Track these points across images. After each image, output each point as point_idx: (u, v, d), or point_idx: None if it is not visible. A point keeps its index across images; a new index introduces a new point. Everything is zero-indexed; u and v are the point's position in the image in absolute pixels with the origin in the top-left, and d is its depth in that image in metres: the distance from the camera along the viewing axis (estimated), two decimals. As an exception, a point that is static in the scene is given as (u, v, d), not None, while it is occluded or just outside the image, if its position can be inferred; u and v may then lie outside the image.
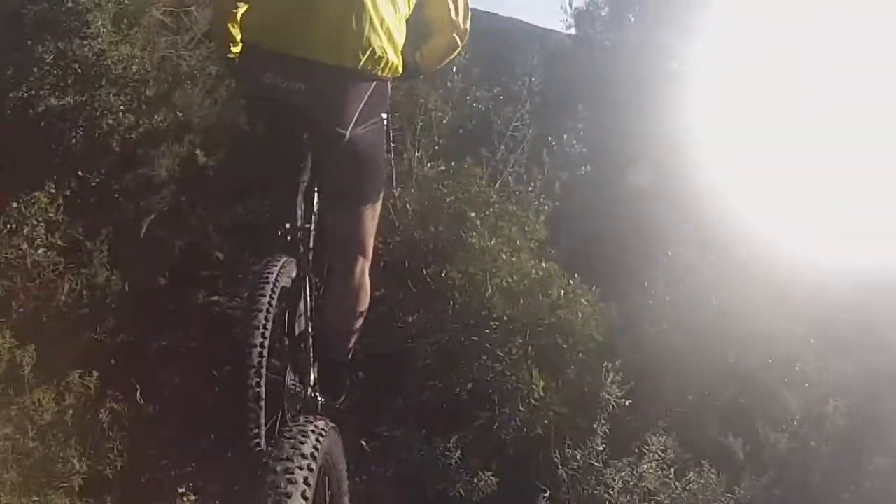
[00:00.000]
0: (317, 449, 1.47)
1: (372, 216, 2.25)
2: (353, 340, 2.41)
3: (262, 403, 1.90)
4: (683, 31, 6.45)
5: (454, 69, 3.88)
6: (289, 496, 1.34)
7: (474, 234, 3.49)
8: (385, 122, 2.19)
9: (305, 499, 1.36)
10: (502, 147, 4.08)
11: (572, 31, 7.20)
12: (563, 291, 3.53)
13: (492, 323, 3.39)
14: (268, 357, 1.91)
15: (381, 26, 1.92)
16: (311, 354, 2.17)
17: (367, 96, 1.97)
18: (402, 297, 3.79)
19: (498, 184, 4.07)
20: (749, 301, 4.04)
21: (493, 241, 3.55)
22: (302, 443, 1.46)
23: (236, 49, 2.01)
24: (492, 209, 3.66)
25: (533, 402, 3.01)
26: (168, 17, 4.08)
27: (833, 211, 4.25)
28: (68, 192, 3.35)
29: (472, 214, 3.54)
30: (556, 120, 4.12)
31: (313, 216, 2.22)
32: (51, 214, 3.24)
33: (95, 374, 3.01)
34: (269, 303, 1.94)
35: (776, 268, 4.04)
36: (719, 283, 4.09)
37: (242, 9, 1.96)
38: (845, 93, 4.95)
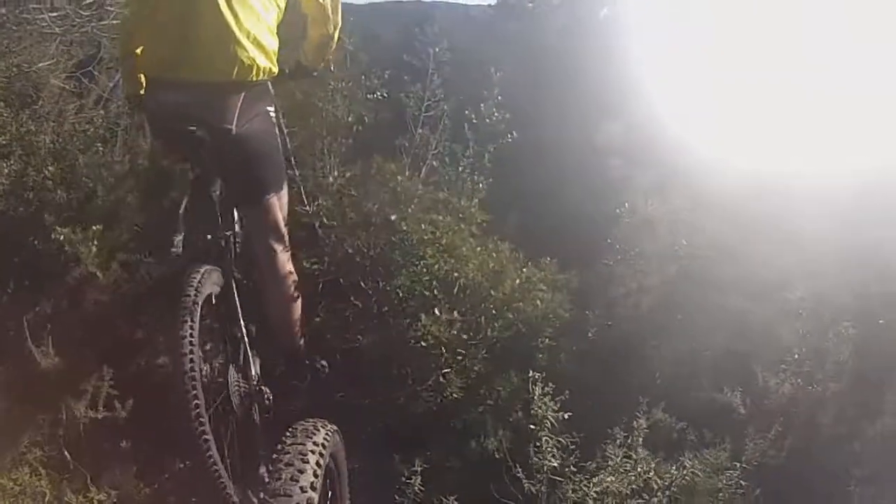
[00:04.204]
0: (327, 440, 1.71)
1: (279, 206, 2.47)
2: (298, 332, 2.60)
3: (203, 405, 1.91)
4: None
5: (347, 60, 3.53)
6: (301, 472, 1.57)
7: (398, 234, 3.13)
8: (272, 114, 2.44)
9: (316, 476, 1.59)
10: (419, 132, 3.71)
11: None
12: (517, 281, 3.18)
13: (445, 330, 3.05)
14: (202, 366, 1.99)
15: (248, 38, 2.24)
16: (250, 351, 2.33)
17: (243, 97, 2.28)
18: (347, 317, 3.50)
19: (423, 172, 3.70)
20: (721, 237, 3.70)
21: (424, 237, 3.19)
22: (314, 433, 1.71)
23: (142, 87, 2.39)
24: (415, 203, 3.29)
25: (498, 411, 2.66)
26: (69, 84, 4.09)
27: (792, 128, 3.88)
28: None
29: (394, 218, 3.17)
30: (473, 91, 3.74)
31: (235, 222, 2.43)
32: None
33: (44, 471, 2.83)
34: (192, 312, 1.99)
35: (743, 198, 3.68)
36: (686, 226, 3.74)
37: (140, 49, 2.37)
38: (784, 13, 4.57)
